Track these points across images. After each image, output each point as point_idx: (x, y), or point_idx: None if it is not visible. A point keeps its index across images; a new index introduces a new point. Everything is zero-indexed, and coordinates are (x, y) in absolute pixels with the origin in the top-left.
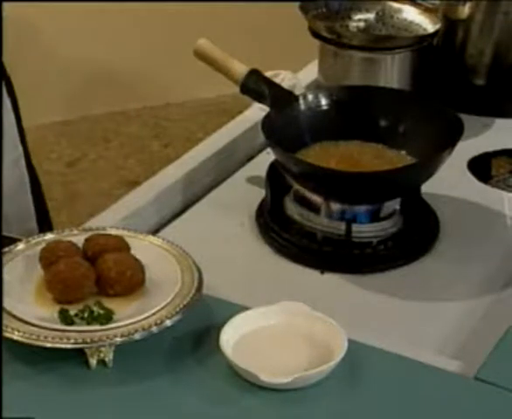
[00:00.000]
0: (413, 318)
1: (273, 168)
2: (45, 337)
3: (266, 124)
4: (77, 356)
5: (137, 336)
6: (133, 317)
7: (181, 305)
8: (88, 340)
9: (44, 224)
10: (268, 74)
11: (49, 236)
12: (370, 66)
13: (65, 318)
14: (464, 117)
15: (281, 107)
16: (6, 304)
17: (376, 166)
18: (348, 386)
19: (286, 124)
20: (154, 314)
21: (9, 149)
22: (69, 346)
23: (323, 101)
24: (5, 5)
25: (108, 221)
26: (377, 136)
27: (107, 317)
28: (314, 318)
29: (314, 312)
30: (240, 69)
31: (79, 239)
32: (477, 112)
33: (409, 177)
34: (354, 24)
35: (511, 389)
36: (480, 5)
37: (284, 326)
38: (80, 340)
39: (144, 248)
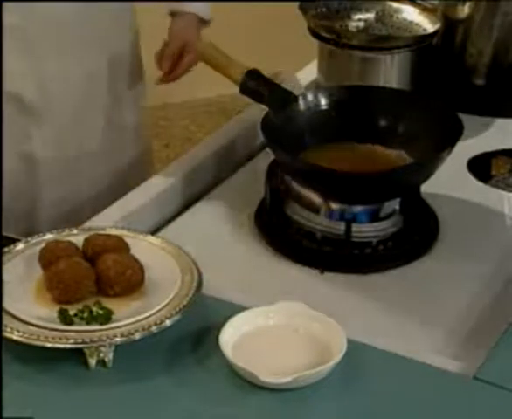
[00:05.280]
0: (413, 318)
1: (273, 168)
2: (45, 337)
3: (266, 124)
4: (76, 356)
5: (137, 336)
6: (132, 317)
7: (180, 305)
8: (88, 340)
9: None
10: (268, 74)
11: (48, 236)
12: (369, 66)
13: (65, 318)
14: (464, 117)
15: (281, 107)
16: (6, 304)
17: (375, 166)
18: (347, 385)
19: (285, 124)
20: (153, 314)
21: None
22: (68, 346)
23: (323, 101)
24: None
25: (108, 221)
26: (376, 136)
27: (107, 317)
28: (313, 318)
29: (314, 311)
30: (240, 69)
31: (78, 239)
32: (477, 112)
33: (408, 177)
34: (353, 23)
35: (511, 389)
36: (479, 5)
37: (284, 326)
38: (80, 340)
39: (144, 248)
